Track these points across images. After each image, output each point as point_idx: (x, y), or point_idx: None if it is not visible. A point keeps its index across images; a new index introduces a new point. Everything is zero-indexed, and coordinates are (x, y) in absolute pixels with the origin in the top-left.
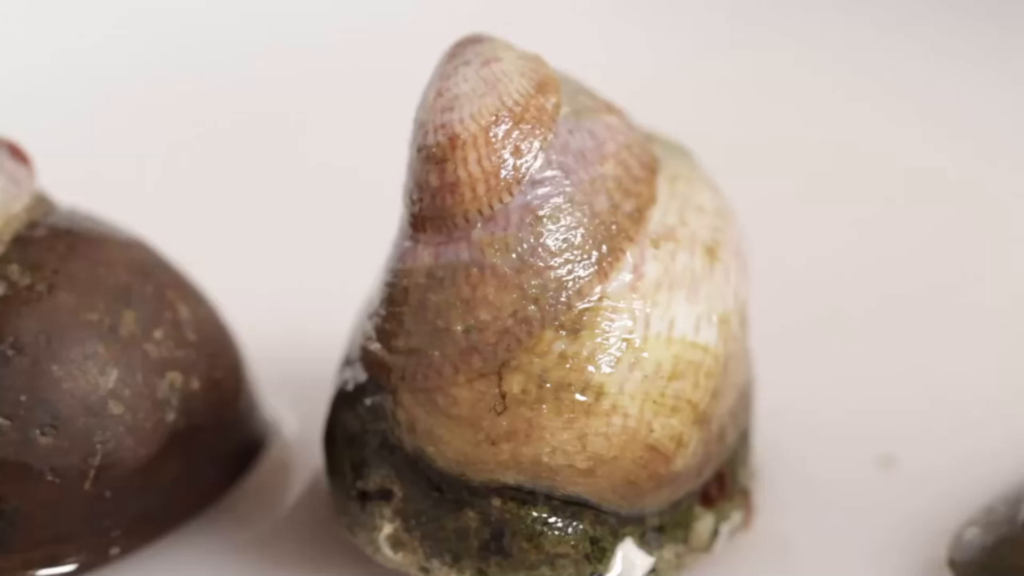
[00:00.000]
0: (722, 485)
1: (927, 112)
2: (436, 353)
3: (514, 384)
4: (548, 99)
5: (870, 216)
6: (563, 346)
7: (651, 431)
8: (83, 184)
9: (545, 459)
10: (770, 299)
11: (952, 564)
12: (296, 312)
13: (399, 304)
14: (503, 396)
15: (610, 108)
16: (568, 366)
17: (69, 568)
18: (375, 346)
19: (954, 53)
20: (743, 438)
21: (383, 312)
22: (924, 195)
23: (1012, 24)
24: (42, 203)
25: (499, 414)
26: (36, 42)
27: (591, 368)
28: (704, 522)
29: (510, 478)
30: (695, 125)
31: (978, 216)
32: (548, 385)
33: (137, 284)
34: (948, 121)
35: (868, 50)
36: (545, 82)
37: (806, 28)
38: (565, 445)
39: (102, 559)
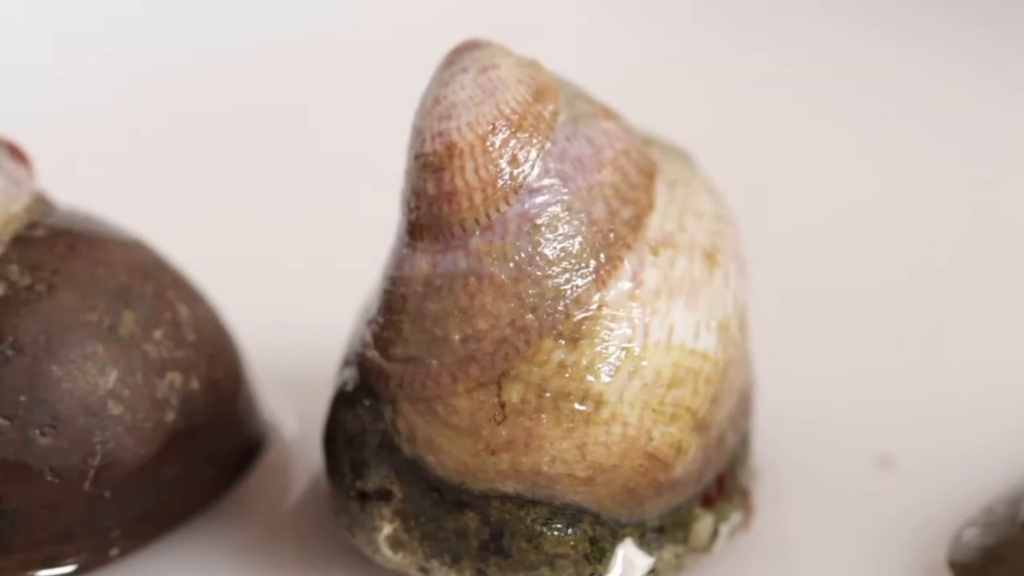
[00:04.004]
0: (722, 486)
1: (926, 109)
2: (434, 362)
3: (513, 393)
4: (546, 106)
5: (869, 215)
6: (562, 355)
7: (650, 439)
8: (83, 184)
9: (545, 468)
10: (770, 299)
11: (952, 564)
12: (296, 312)
13: (397, 312)
14: (502, 405)
15: (608, 113)
16: (567, 375)
17: (69, 568)
18: (373, 353)
19: (953, 52)
20: (743, 441)
21: (381, 319)
22: (922, 194)
23: (1013, 22)
24: (42, 203)
25: (498, 424)
26: (36, 42)
27: (590, 377)
28: (704, 522)
29: (510, 487)
30: (694, 124)
31: (977, 215)
32: (547, 394)
33: (137, 284)
34: (947, 119)
35: (868, 49)
36: (543, 89)
37: (806, 27)
38: (565, 454)
39: (102, 559)
